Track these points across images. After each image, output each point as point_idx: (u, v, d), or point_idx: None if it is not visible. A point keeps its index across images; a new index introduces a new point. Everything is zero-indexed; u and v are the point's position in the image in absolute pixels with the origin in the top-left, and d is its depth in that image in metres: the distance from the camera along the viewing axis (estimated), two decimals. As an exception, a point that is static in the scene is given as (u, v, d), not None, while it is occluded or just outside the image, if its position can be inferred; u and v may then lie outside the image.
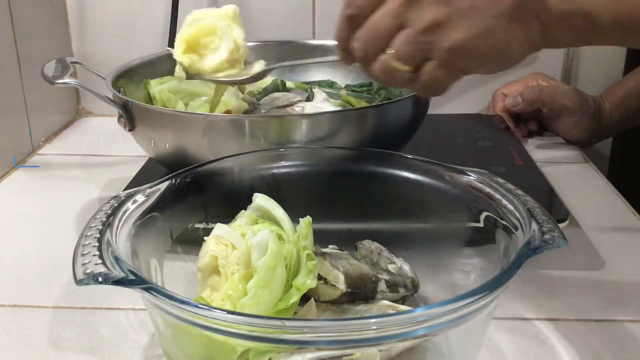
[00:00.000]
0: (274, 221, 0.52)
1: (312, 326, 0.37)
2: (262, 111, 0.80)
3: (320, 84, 0.89)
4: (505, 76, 1.05)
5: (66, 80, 0.71)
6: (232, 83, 0.75)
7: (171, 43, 1.01)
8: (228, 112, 0.79)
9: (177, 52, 0.71)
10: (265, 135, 0.64)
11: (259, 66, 0.73)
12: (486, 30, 0.46)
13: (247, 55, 0.73)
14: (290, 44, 0.95)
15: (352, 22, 0.50)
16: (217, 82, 0.73)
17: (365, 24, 0.49)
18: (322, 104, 0.80)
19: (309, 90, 0.87)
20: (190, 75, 0.72)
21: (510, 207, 0.48)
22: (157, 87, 0.80)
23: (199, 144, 0.65)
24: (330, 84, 0.89)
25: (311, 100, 0.83)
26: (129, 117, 0.70)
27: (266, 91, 0.87)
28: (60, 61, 0.75)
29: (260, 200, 0.53)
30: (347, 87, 0.89)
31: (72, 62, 0.77)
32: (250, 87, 0.89)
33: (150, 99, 0.81)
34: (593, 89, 1.00)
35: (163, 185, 0.52)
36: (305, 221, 0.51)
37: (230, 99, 0.82)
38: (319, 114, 0.73)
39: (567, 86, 0.97)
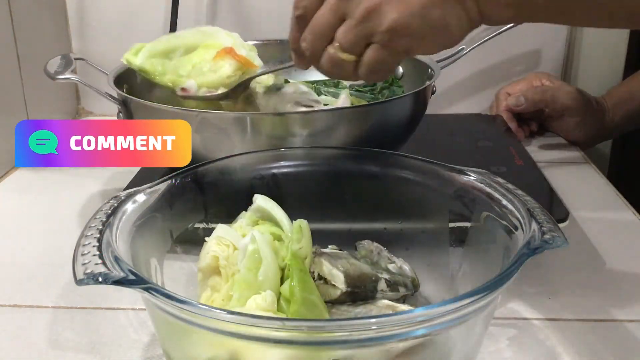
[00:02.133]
0: (274, 222, 0.52)
1: (312, 326, 0.37)
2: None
3: (325, 83, 0.89)
4: (506, 75, 1.06)
5: (67, 76, 0.71)
6: (208, 99, 0.73)
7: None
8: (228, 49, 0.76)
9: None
10: (259, 132, 0.64)
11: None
12: (421, 9, 0.49)
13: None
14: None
15: (301, 23, 0.54)
16: (192, 99, 0.72)
17: (311, 22, 0.53)
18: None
19: (314, 89, 0.87)
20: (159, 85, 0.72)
21: (510, 207, 0.48)
22: (137, 59, 0.74)
23: (193, 140, 0.65)
24: (335, 83, 0.89)
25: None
26: (128, 113, 0.70)
27: (270, 90, 0.86)
28: (64, 57, 0.76)
29: (261, 201, 0.53)
30: (351, 86, 0.89)
31: (76, 59, 0.77)
32: (256, 89, 0.89)
33: (145, 93, 0.81)
34: (593, 89, 1.00)
35: (163, 185, 0.52)
36: (295, 226, 0.51)
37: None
38: (316, 111, 0.73)
39: (571, 86, 0.97)
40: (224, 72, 0.70)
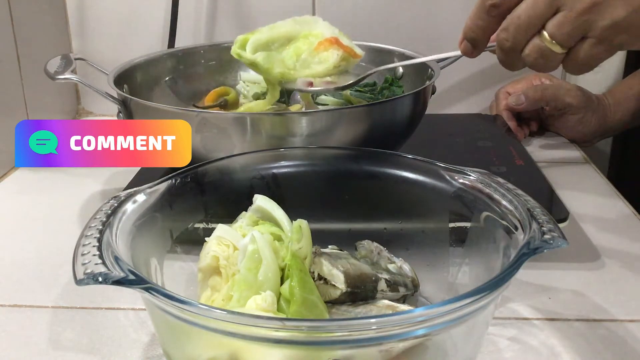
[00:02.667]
0: (274, 222, 0.52)
1: (312, 326, 0.37)
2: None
3: None
4: (506, 75, 1.05)
5: (67, 76, 0.71)
6: (332, 90, 0.74)
7: (171, 43, 1.01)
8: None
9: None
10: (259, 132, 0.64)
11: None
12: None
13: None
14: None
15: (493, 12, 0.53)
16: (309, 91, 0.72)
17: (515, 12, 0.52)
18: None
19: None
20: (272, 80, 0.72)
21: (510, 207, 0.48)
22: (247, 52, 0.73)
23: (193, 140, 0.66)
24: None
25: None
26: (128, 113, 0.70)
27: None
28: (64, 57, 0.76)
29: (261, 201, 0.53)
30: None
31: (75, 59, 0.78)
32: (255, 89, 0.89)
33: (145, 93, 0.81)
34: (593, 89, 1.00)
35: (163, 185, 0.52)
36: (295, 226, 0.51)
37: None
38: (316, 111, 0.73)
39: (571, 84, 0.97)
40: (331, 62, 0.70)
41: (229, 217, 0.55)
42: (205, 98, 0.87)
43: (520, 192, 0.50)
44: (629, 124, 0.98)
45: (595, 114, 0.95)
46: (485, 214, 0.51)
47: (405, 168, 0.57)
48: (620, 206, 0.77)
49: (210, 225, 0.54)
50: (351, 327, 0.36)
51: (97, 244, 0.42)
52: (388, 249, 0.57)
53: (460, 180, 0.53)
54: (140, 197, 0.50)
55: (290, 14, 1.05)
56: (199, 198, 0.55)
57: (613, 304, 0.58)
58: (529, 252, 0.42)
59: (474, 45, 0.56)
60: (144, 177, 0.75)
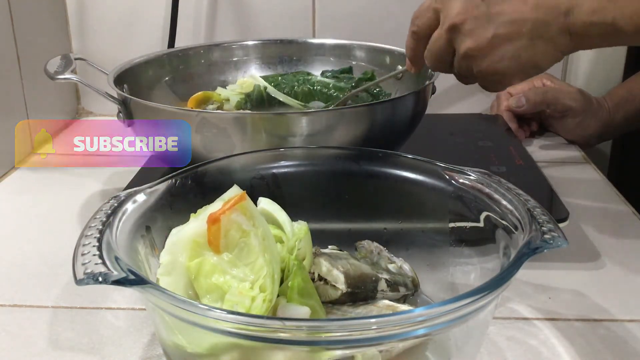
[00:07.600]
0: (277, 225, 0.52)
1: (312, 326, 0.37)
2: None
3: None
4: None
5: (67, 76, 0.71)
6: None
7: (171, 43, 1.01)
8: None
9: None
10: (259, 132, 0.64)
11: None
12: (512, 55, 0.56)
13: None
14: (290, 43, 0.95)
15: (415, 37, 0.63)
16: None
17: (428, 45, 0.62)
18: None
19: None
20: None
21: (510, 207, 0.48)
22: None
23: (193, 140, 0.66)
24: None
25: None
26: (128, 113, 0.70)
27: (249, 97, 0.86)
28: (64, 57, 0.76)
29: (265, 204, 0.53)
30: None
31: (75, 59, 0.78)
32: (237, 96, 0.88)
33: (145, 93, 0.81)
34: (593, 89, 1.00)
35: (163, 185, 0.52)
36: (304, 228, 0.51)
37: None
38: (316, 111, 0.73)
39: (571, 87, 0.97)
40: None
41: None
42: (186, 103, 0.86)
43: (520, 192, 0.50)
44: (628, 127, 0.98)
45: (595, 118, 0.95)
46: (485, 214, 0.51)
47: (405, 168, 0.57)
48: (620, 206, 0.77)
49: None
50: (351, 327, 0.36)
51: (97, 244, 0.42)
52: (388, 249, 0.57)
53: (460, 180, 0.53)
54: (140, 197, 0.50)
55: (291, 14, 1.05)
56: (199, 198, 0.55)
57: (613, 304, 0.58)
58: (529, 252, 0.42)
59: (412, 62, 0.67)
60: (144, 177, 0.75)
